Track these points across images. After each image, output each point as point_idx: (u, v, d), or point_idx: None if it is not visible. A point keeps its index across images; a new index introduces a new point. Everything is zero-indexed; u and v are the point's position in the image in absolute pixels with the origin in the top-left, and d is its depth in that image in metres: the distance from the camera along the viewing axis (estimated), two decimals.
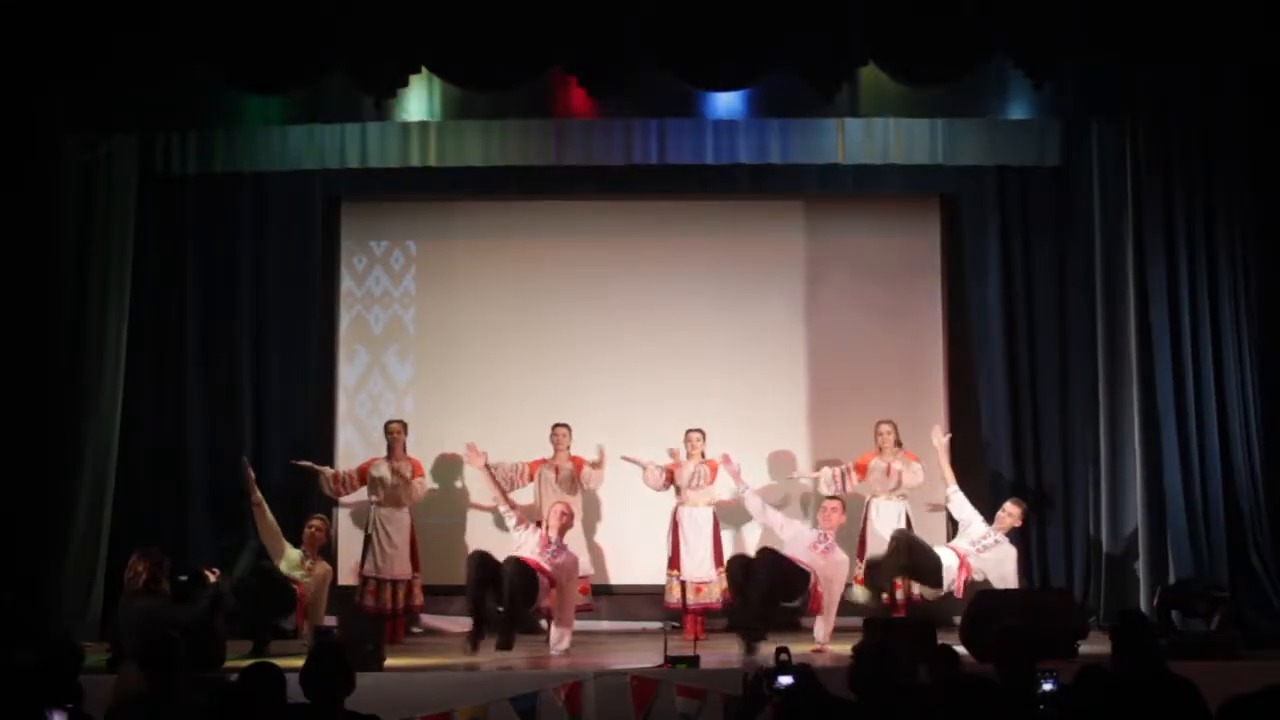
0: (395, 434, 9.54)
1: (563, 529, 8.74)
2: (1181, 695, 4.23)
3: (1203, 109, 8.96)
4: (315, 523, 9.15)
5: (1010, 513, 9.07)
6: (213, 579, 7.66)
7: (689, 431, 9.48)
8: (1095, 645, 8.42)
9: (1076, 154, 9.74)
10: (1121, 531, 9.35)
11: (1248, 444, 8.91)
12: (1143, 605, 8.96)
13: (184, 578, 7.68)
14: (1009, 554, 8.98)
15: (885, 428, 9.50)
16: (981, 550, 8.96)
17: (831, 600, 8.71)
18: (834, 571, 8.72)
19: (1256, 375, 8.98)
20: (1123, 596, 9.27)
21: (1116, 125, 9.23)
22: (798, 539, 8.81)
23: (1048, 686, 4.63)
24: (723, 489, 9.53)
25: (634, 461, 9.48)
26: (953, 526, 9.55)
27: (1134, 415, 9.15)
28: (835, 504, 8.96)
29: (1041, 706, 4.58)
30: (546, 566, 8.54)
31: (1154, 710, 4.20)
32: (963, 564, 8.93)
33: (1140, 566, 9.06)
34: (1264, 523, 8.85)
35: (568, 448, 9.60)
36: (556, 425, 9.62)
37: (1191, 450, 8.88)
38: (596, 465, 9.54)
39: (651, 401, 10.02)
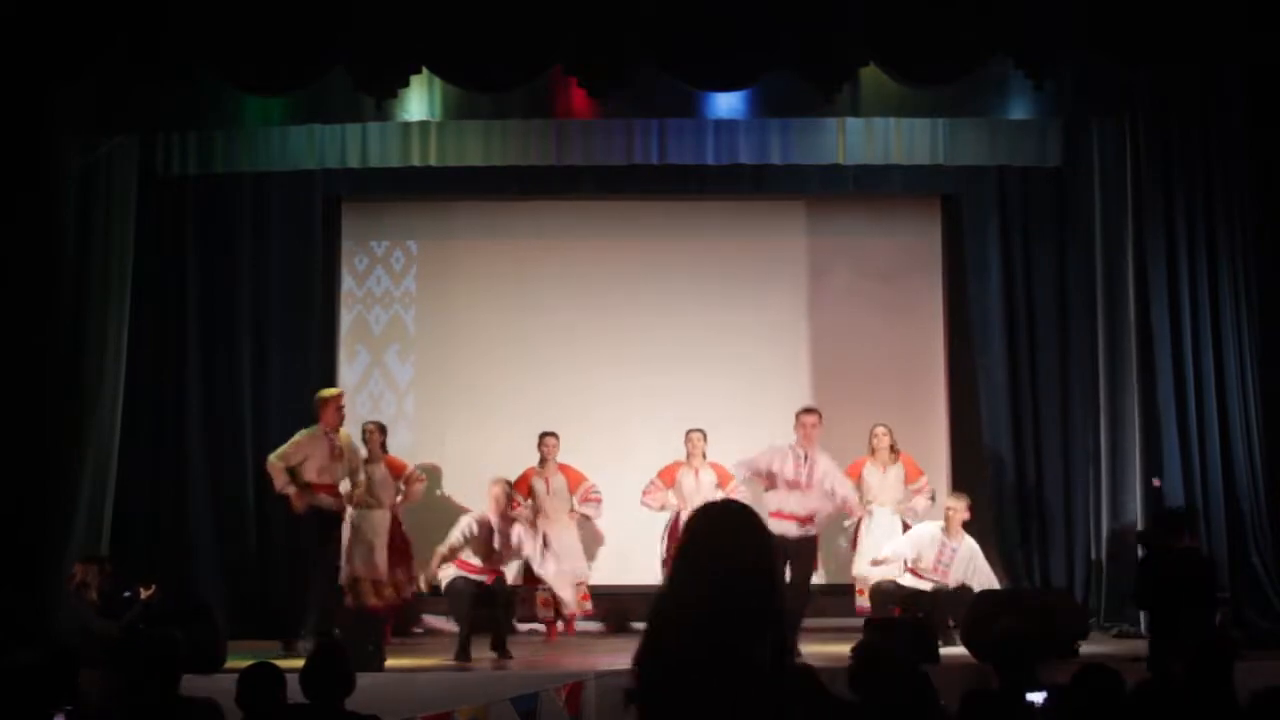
0: (370, 434, 9.37)
1: (501, 513, 8.78)
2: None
3: (1203, 109, 8.97)
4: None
5: (954, 508, 8.90)
6: (144, 595, 7.67)
7: (690, 432, 9.44)
8: (1095, 645, 8.45)
9: (1076, 154, 9.74)
10: (1121, 531, 9.34)
11: (1248, 444, 8.91)
12: None
13: (127, 593, 7.71)
14: (972, 550, 8.88)
15: (880, 430, 9.34)
16: (946, 569, 8.84)
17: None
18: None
19: (1257, 375, 8.98)
20: (1123, 596, 9.27)
21: (1116, 125, 9.24)
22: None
23: (1037, 699, 4.59)
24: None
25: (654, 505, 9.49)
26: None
27: (1134, 415, 9.15)
28: (813, 418, 8.65)
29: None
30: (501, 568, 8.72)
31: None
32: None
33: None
34: (1264, 523, 8.85)
35: (556, 457, 9.50)
36: (545, 435, 9.48)
37: (1192, 450, 8.89)
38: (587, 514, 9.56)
39: (653, 401, 10.02)
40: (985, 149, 9.71)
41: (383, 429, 9.47)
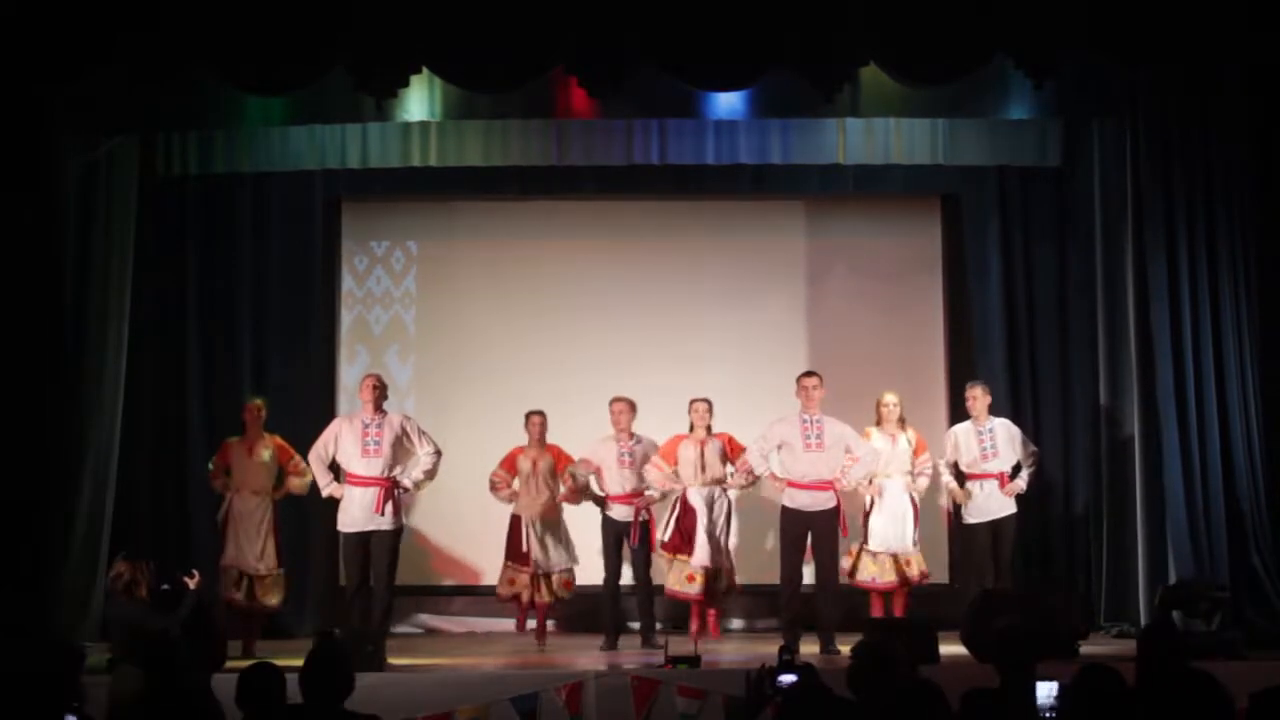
0: (249, 413, 9.07)
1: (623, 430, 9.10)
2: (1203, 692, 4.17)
3: (1203, 109, 8.97)
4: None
5: (974, 395, 9.15)
6: (192, 586, 7.63)
7: (694, 401, 9.10)
8: (1096, 645, 8.46)
9: (1076, 154, 9.75)
10: (1121, 531, 9.35)
11: (1248, 444, 8.91)
12: (1143, 605, 8.99)
13: (166, 586, 7.64)
14: (1008, 427, 9.19)
15: (889, 398, 9.21)
16: (994, 453, 9.05)
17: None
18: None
19: (1257, 375, 8.98)
20: (1123, 596, 9.28)
21: (1116, 125, 9.24)
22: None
23: (1046, 692, 4.60)
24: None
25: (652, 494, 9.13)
26: (954, 512, 9.57)
27: (1134, 415, 9.16)
28: (813, 380, 8.67)
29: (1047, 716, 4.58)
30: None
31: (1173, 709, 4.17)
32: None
33: (1140, 566, 9.06)
34: (1264, 522, 8.85)
35: (541, 438, 9.30)
36: (531, 413, 9.28)
37: (1192, 450, 8.88)
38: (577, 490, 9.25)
39: (653, 401, 9.96)
40: (985, 149, 9.72)
41: (264, 406, 9.19)
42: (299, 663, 4.49)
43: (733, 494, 9.23)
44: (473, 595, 10.19)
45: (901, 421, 9.29)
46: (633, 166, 9.73)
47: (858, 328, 10.37)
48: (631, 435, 9.22)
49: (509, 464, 9.33)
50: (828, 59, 8.15)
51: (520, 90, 8.41)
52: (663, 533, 9.16)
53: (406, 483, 8.76)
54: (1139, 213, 9.04)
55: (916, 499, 9.26)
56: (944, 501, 9.68)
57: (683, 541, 9.06)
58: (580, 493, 9.17)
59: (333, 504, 8.89)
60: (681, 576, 9.06)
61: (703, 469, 9.06)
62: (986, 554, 9.01)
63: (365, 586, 8.72)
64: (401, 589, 9.28)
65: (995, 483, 9.01)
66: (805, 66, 8.18)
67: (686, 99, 8.75)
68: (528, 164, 9.72)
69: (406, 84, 8.28)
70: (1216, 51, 8.43)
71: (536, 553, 9.13)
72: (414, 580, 9.92)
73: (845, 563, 9.06)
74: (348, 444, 8.73)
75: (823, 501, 8.53)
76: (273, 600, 9.04)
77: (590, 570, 9.35)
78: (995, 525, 9.02)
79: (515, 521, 9.24)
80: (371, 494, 8.62)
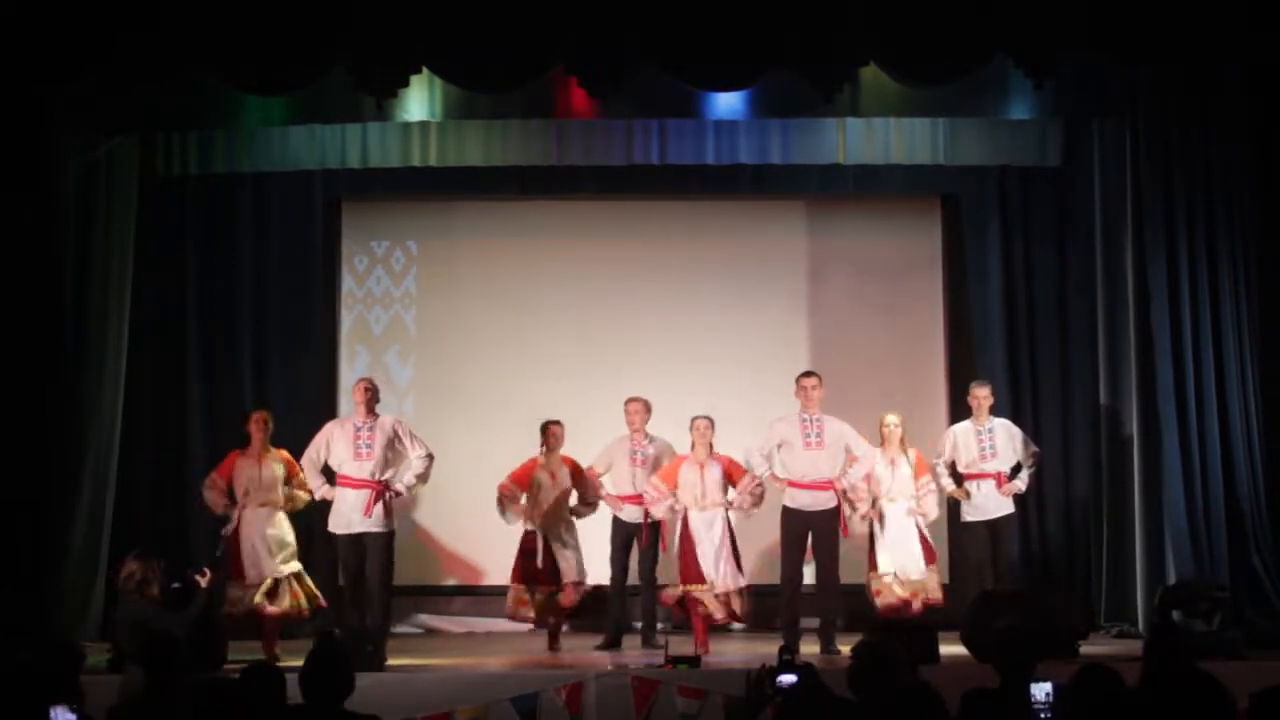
0: (255, 424, 8.70)
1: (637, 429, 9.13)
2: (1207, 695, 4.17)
3: (1203, 109, 8.97)
4: None
5: (979, 395, 9.12)
6: (203, 583, 7.61)
7: (695, 419, 8.88)
8: (1096, 645, 8.46)
9: (1077, 154, 9.76)
10: (1122, 531, 9.35)
11: (1248, 444, 8.91)
12: (1142, 605, 9.00)
13: (176, 584, 7.62)
14: (1008, 427, 9.15)
15: (891, 420, 9.02)
16: (993, 453, 9.02)
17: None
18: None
19: (1257, 375, 8.99)
20: (1123, 596, 9.28)
21: (1116, 125, 9.25)
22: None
23: (1041, 692, 4.60)
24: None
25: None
26: (952, 513, 9.53)
27: (1134, 415, 9.17)
28: (811, 380, 8.65)
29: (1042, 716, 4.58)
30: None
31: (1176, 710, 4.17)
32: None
33: (1140, 567, 9.07)
34: (1264, 522, 8.86)
35: (559, 448, 9.09)
36: (551, 423, 9.06)
37: (1192, 450, 8.89)
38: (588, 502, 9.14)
39: (654, 401, 9.98)
40: (985, 149, 9.73)
41: (268, 418, 8.87)
42: (299, 663, 4.49)
43: (734, 516, 8.87)
44: (473, 595, 10.20)
45: (903, 443, 9.06)
46: (633, 166, 9.74)
47: (858, 327, 10.36)
48: (646, 435, 9.21)
49: (523, 478, 9.00)
50: (828, 59, 8.16)
51: (520, 90, 8.42)
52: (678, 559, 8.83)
53: (399, 486, 8.72)
54: (1139, 213, 9.05)
55: (922, 524, 8.98)
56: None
57: (686, 565, 8.71)
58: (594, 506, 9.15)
59: (329, 506, 8.85)
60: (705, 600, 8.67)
61: (703, 494, 8.74)
62: (985, 553, 8.99)
63: (362, 587, 8.69)
64: (401, 589, 9.27)
65: (993, 482, 9.00)
66: (805, 66, 8.18)
67: (686, 99, 8.76)
68: (527, 164, 9.74)
69: (406, 84, 8.29)
70: (1216, 51, 8.44)
71: (559, 563, 8.89)
72: (414, 580, 9.93)
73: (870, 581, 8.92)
74: (340, 447, 8.71)
75: (823, 501, 8.54)
76: (285, 604, 8.55)
77: (595, 570, 9.29)
78: (993, 525, 9.00)
79: (529, 539, 8.92)
80: (362, 496, 8.59)
